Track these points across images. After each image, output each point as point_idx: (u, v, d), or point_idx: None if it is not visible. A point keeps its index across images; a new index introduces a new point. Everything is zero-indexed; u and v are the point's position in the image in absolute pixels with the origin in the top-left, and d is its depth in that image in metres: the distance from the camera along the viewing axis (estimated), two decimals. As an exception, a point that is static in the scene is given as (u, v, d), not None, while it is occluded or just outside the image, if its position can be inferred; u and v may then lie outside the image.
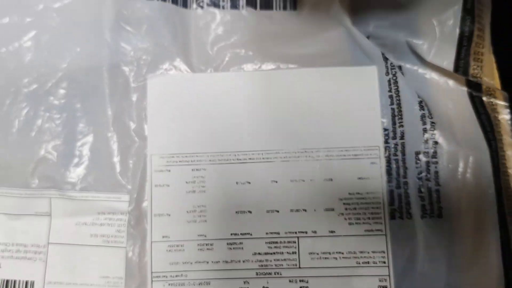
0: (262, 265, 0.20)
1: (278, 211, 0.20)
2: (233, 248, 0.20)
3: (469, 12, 0.20)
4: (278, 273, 0.20)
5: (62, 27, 0.22)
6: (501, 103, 0.20)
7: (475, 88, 0.20)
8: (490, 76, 0.20)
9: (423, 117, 0.20)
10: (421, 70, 0.21)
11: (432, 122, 0.20)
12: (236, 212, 0.21)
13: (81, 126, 0.22)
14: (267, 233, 0.20)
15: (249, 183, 0.21)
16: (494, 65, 0.20)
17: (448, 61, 0.20)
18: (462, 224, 0.19)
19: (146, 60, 0.22)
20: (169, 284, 0.20)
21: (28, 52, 0.22)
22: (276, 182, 0.21)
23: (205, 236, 0.20)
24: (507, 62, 0.20)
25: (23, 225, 0.21)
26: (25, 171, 0.21)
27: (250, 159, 0.21)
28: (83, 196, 0.21)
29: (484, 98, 0.20)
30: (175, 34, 0.23)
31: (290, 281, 0.20)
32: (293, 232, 0.20)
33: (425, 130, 0.20)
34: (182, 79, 0.22)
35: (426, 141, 0.20)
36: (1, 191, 0.21)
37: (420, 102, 0.20)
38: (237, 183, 0.21)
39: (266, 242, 0.20)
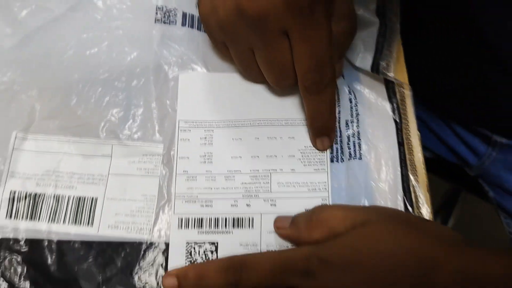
0: (246, 190, 0.31)
1: (258, 157, 0.32)
2: (228, 179, 0.31)
3: (383, 35, 0.32)
4: (256, 196, 0.31)
5: (125, 39, 0.35)
6: (405, 91, 0.32)
7: (386, 80, 0.32)
8: (396, 70, 0.32)
9: (350, 99, 0.32)
10: (354, 69, 0.33)
11: (356, 102, 0.32)
12: (231, 157, 0.32)
13: (135, 101, 0.33)
14: (251, 170, 0.31)
15: (241, 139, 0.32)
16: (400, 64, 0.32)
17: (368, 64, 0.31)
18: (375, 164, 0.30)
19: (178, 62, 0.34)
20: (185, 201, 0.31)
21: (103, 54, 0.35)
22: (258, 139, 0.32)
23: (211, 171, 0.31)
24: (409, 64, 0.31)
25: (94, 162, 0.32)
26: (98, 128, 0.33)
27: (242, 125, 0.32)
28: (134, 144, 0.32)
29: (391, 84, 0.32)
30: (197, 48, 0.35)
31: (264, 201, 0.31)
32: (267, 170, 0.31)
33: (351, 107, 0.32)
34: (200, 75, 0.34)
35: (352, 114, 0.31)
36: (82, 140, 0.33)
37: (349, 90, 0.32)
38: (233, 139, 0.32)
39: (250, 176, 0.31)
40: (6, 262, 0.30)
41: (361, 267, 0.24)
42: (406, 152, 0.30)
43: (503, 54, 0.37)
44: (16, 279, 0.29)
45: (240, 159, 0.32)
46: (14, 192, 0.31)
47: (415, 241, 0.25)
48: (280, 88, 0.32)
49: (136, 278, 0.29)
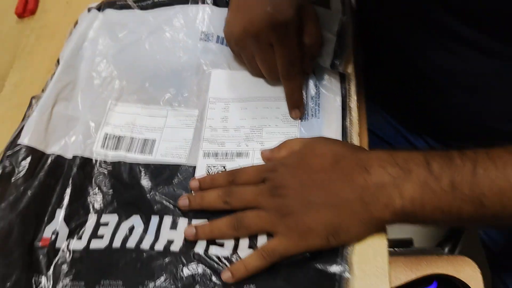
0: (246, 137, 0.49)
1: (255, 118, 0.50)
2: (236, 131, 0.50)
3: (339, 47, 0.50)
4: (252, 139, 0.49)
5: (180, 49, 0.56)
6: (351, 80, 0.50)
7: (340, 74, 0.50)
8: (346, 68, 0.50)
9: (316, 84, 0.50)
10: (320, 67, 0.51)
11: (319, 87, 0.50)
12: (239, 119, 0.50)
13: (183, 85, 0.54)
14: (250, 126, 0.50)
15: (246, 108, 0.51)
16: (349, 64, 0.50)
17: (328, 64, 0.50)
18: (327, 121, 0.48)
19: (212, 64, 0.55)
20: (209, 142, 0.49)
21: (166, 57, 0.55)
22: (257, 108, 0.51)
23: (226, 127, 0.50)
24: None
25: (156, 120, 0.52)
26: (160, 100, 0.53)
27: (247, 100, 0.51)
28: (181, 110, 0.52)
29: (342, 76, 0.50)
30: (224, 55, 0.55)
31: (256, 142, 0.49)
32: (261, 125, 0.50)
33: (316, 89, 0.50)
34: (225, 72, 0.54)
35: (315, 93, 0.50)
36: (150, 106, 0.53)
37: (315, 80, 0.51)
38: (241, 108, 0.51)
39: (249, 129, 0.50)
40: (100, 175, 0.49)
41: (305, 164, 0.42)
42: (347, 114, 0.47)
43: (427, 75, 0.55)
44: (103, 185, 0.48)
45: (245, 120, 0.50)
46: (107, 134, 0.51)
47: (340, 145, 0.42)
48: (271, 79, 0.51)
49: (174, 186, 0.48)
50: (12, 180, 0.46)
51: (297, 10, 0.46)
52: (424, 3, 0.47)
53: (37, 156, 0.48)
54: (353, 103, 0.48)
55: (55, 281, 0.41)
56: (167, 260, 0.41)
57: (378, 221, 0.38)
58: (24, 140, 0.48)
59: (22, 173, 0.46)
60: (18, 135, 0.49)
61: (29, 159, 0.47)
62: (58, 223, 0.45)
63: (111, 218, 0.45)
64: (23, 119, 0.51)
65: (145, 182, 0.48)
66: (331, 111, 0.49)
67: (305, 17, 0.48)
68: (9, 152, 0.47)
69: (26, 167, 0.47)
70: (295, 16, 0.46)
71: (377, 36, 0.59)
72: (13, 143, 0.48)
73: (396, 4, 0.51)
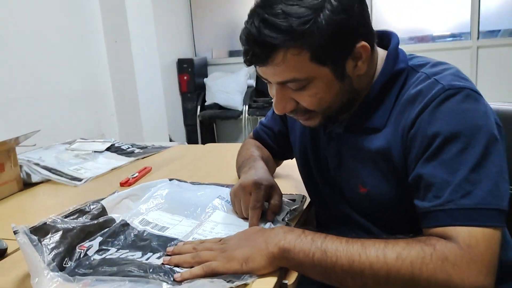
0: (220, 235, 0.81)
1: (230, 231, 0.83)
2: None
3: (291, 213, 0.86)
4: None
5: (203, 199, 0.95)
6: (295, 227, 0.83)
7: (287, 223, 0.84)
8: (293, 222, 0.84)
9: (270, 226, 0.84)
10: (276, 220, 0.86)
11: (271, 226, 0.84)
12: (221, 230, 0.84)
13: (196, 214, 0.90)
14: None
15: (228, 225, 0.85)
16: (294, 222, 0.84)
17: (281, 218, 0.85)
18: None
19: (216, 208, 0.92)
20: (198, 234, 0.82)
21: (191, 199, 0.94)
22: (233, 227, 0.84)
23: (212, 232, 0.83)
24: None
25: (174, 220, 0.87)
26: (181, 214, 0.89)
27: (229, 224, 0.85)
28: (190, 219, 0.87)
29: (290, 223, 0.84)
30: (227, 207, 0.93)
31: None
32: (231, 233, 0.82)
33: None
34: (221, 213, 0.91)
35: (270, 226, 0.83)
36: (173, 216, 0.89)
37: (270, 224, 0.85)
38: (224, 226, 0.85)
39: (225, 233, 0.82)
40: (130, 232, 0.83)
41: (235, 239, 0.72)
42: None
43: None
44: (129, 236, 0.81)
45: (224, 231, 0.83)
46: (143, 218, 0.87)
47: (258, 231, 0.73)
48: (245, 215, 0.85)
49: (167, 245, 0.79)
50: (87, 213, 0.82)
51: (269, 183, 0.86)
52: (341, 204, 0.85)
53: (103, 210, 0.85)
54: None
55: (76, 266, 0.71)
56: (152, 267, 0.70)
57: (271, 254, 0.67)
58: (102, 202, 0.86)
59: (93, 213, 0.83)
60: (102, 199, 0.87)
61: (100, 208, 0.84)
62: (95, 242, 0.77)
63: (123, 251, 0.76)
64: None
65: (154, 242, 0.80)
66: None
67: (274, 191, 0.87)
68: (93, 203, 0.85)
69: (96, 213, 0.83)
70: (268, 185, 0.85)
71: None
72: (97, 201, 0.86)
73: (326, 204, 0.89)
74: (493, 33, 3.69)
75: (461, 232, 0.61)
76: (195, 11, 4.48)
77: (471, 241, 0.60)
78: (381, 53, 0.81)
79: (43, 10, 2.58)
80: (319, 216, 1.00)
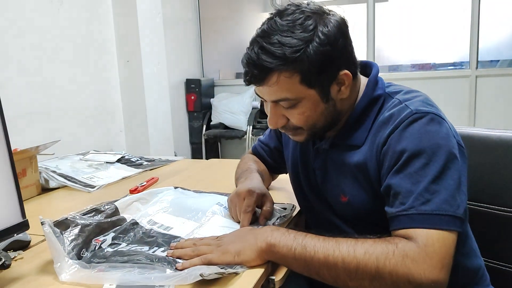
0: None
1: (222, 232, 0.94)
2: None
3: (281, 218, 0.97)
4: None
5: (206, 205, 1.06)
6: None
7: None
8: (282, 226, 0.95)
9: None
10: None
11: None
12: (216, 230, 0.95)
13: (198, 215, 1.01)
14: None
15: (224, 228, 0.96)
16: (284, 225, 0.95)
17: (272, 223, 0.96)
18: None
19: (215, 213, 1.03)
20: (199, 234, 0.93)
21: (195, 204, 1.06)
22: (228, 230, 0.95)
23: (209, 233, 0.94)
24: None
25: (177, 221, 0.98)
26: (184, 217, 1.00)
27: (225, 226, 0.97)
28: (191, 222, 0.98)
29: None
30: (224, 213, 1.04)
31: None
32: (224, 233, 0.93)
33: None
34: (220, 217, 1.02)
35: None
36: (177, 218, 1.00)
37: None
38: (220, 229, 0.96)
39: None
40: (139, 230, 0.94)
41: (230, 236, 0.84)
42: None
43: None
44: (138, 233, 0.93)
45: (219, 232, 0.94)
46: (151, 219, 0.99)
47: (250, 230, 0.84)
48: (238, 220, 0.97)
49: (172, 241, 0.90)
50: (102, 212, 0.94)
51: (262, 192, 0.97)
52: (323, 211, 0.97)
53: (116, 210, 0.96)
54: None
55: (91, 256, 0.83)
56: (157, 257, 0.81)
57: (259, 248, 0.78)
58: (115, 203, 0.98)
59: (107, 212, 0.94)
60: (115, 201, 0.99)
61: (113, 208, 0.96)
62: (108, 237, 0.89)
63: (133, 246, 0.88)
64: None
65: (160, 239, 0.91)
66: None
67: (266, 199, 0.98)
68: (108, 204, 0.97)
69: (109, 212, 0.95)
70: (260, 193, 0.97)
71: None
72: (111, 202, 0.98)
73: (313, 211, 1.00)
74: (492, 63, 3.82)
75: (420, 233, 0.72)
76: (204, 35, 4.66)
77: (428, 241, 0.71)
78: (363, 80, 0.94)
79: (63, 33, 2.74)
80: (308, 222, 1.11)
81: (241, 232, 0.85)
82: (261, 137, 1.27)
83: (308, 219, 1.10)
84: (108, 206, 0.98)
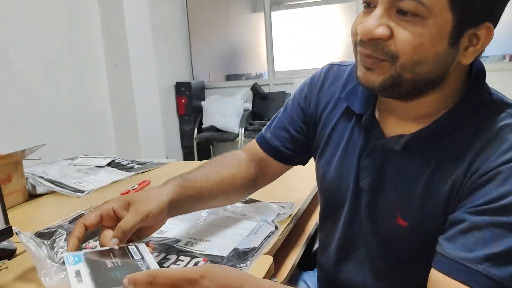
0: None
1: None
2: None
3: (273, 234, 0.93)
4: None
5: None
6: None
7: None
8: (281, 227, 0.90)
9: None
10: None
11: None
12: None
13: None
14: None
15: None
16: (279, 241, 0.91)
17: (270, 220, 0.91)
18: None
19: (210, 213, 0.99)
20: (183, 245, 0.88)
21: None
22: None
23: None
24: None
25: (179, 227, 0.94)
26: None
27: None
28: (184, 223, 0.94)
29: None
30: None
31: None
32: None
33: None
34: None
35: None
36: (178, 223, 0.95)
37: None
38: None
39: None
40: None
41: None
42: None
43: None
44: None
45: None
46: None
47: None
48: None
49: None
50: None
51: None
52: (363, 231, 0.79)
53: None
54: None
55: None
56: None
57: None
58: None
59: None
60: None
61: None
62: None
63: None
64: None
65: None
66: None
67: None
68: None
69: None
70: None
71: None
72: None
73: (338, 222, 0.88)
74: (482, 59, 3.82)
75: None
76: (193, 37, 4.62)
77: None
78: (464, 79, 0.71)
79: (47, 35, 2.68)
80: (322, 239, 0.93)
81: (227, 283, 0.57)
82: (271, 123, 0.96)
83: (322, 236, 0.92)
84: (98, 210, 0.92)
